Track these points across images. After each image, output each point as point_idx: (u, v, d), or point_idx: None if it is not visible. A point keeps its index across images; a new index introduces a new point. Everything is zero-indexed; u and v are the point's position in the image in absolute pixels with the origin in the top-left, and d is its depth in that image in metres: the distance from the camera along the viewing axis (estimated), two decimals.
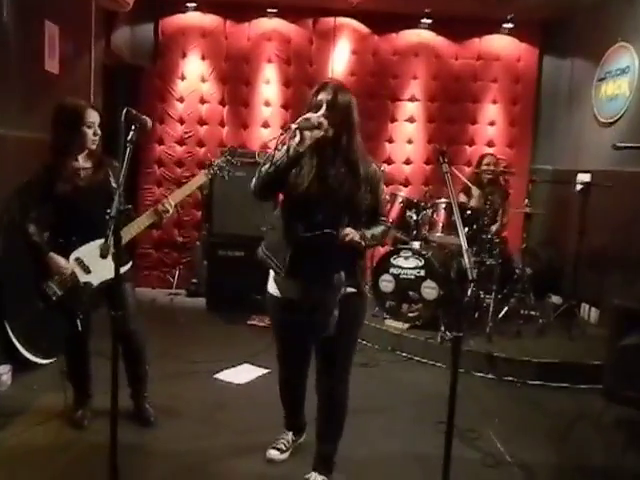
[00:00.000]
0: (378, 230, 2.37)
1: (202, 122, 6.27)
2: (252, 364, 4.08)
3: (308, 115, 2.16)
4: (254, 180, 2.24)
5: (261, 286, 2.58)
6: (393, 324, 4.70)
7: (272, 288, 2.46)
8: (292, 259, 2.28)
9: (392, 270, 4.74)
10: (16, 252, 3.17)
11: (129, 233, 2.77)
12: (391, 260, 4.74)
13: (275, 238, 2.37)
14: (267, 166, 2.18)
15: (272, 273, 2.45)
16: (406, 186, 6.36)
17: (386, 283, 4.76)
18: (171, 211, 2.84)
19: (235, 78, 6.22)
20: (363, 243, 2.25)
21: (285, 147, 2.16)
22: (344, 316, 2.32)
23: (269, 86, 6.25)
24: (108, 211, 1.97)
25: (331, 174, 2.25)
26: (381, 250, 6.18)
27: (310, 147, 2.21)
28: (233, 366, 4.04)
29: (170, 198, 2.88)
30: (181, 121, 6.25)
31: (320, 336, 2.33)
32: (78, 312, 2.76)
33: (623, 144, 3.33)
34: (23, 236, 2.75)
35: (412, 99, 6.29)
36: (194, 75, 6.19)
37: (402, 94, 6.28)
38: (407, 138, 6.35)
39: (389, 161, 6.36)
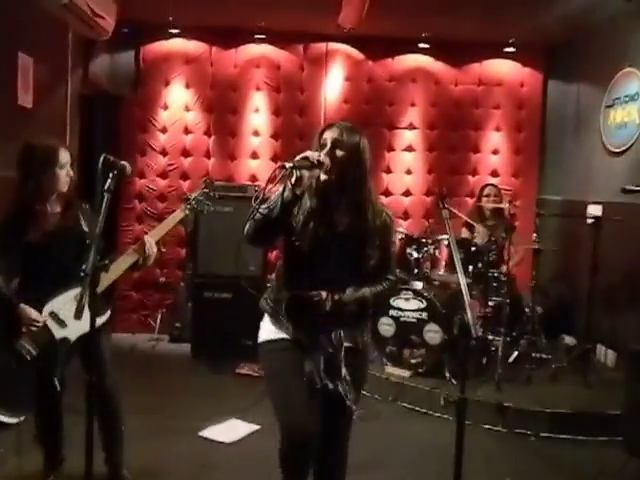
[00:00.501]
0: (372, 292, 2.25)
1: (186, 154, 6.34)
2: (242, 420, 4.04)
3: (307, 153, 2.13)
4: (247, 225, 2.17)
5: (251, 330, 2.56)
6: (394, 371, 4.68)
7: (268, 332, 2.32)
8: (288, 311, 2.25)
9: (392, 312, 4.73)
10: None
11: (107, 278, 2.73)
12: (391, 302, 4.73)
13: (279, 289, 2.32)
14: (260, 209, 2.12)
15: (267, 317, 2.36)
16: (405, 219, 6.41)
17: (386, 327, 4.75)
18: (154, 250, 2.83)
19: (221, 107, 6.31)
20: (335, 307, 2.17)
21: (280, 188, 2.12)
22: (349, 375, 2.28)
23: (258, 115, 6.34)
24: (83, 267, 1.97)
25: (335, 223, 2.20)
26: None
27: (313, 191, 2.19)
28: (221, 422, 3.99)
29: (149, 236, 2.88)
30: (164, 153, 6.31)
31: (333, 395, 2.24)
32: (55, 371, 2.73)
33: (632, 187, 3.38)
34: None
35: (410, 127, 6.39)
36: (177, 104, 6.29)
37: (399, 122, 6.38)
38: (406, 168, 6.43)
39: (387, 193, 6.42)
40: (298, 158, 2.09)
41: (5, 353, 2.71)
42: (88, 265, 2.00)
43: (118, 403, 3.00)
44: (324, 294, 2.16)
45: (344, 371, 2.24)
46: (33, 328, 2.70)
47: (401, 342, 4.71)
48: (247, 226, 2.17)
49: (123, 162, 2.35)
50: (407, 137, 6.41)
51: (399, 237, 5.03)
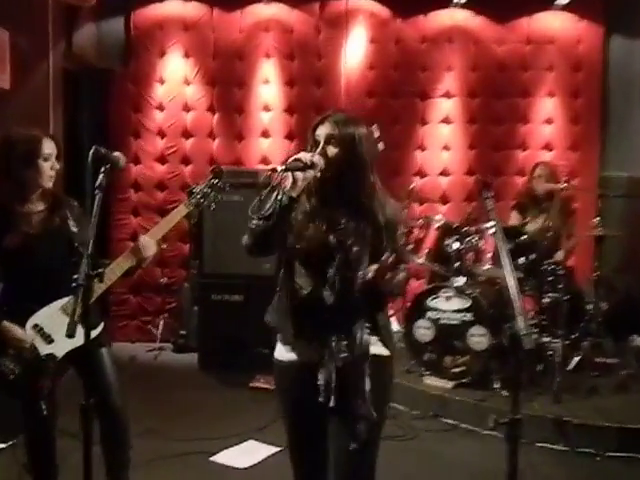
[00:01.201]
0: (396, 280, 2.33)
1: (187, 134, 6.38)
2: (259, 441, 4.08)
3: (299, 155, 2.25)
4: (245, 236, 2.30)
5: (266, 337, 2.60)
6: (434, 382, 4.68)
7: (278, 349, 2.44)
8: (296, 326, 2.31)
9: (430, 314, 4.72)
10: None
11: (100, 286, 2.79)
12: (428, 301, 4.73)
13: (282, 300, 2.40)
14: (256, 218, 2.23)
15: (279, 335, 2.45)
16: (443, 204, 6.39)
17: (423, 330, 4.75)
18: (153, 251, 2.86)
19: (226, 79, 6.34)
20: (391, 280, 2.23)
21: (275, 193, 2.22)
22: (372, 387, 2.28)
23: (268, 86, 6.36)
24: (75, 277, 2.00)
25: (336, 222, 2.31)
26: (415, 286, 6.21)
27: (311, 191, 2.30)
28: (235, 444, 4.04)
29: (148, 236, 2.91)
30: (161, 134, 6.36)
31: (355, 421, 2.26)
32: (41, 392, 2.78)
33: None
34: None
35: (447, 95, 6.35)
36: (175, 77, 6.32)
37: (434, 90, 6.35)
38: (443, 144, 6.39)
39: (421, 173, 6.40)
40: (290, 160, 2.22)
41: None
42: (80, 275, 2.02)
43: (127, 424, 3.06)
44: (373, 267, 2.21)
45: (368, 383, 2.26)
46: (19, 349, 2.75)
47: (441, 348, 4.71)
48: (245, 238, 2.31)
49: (116, 154, 2.37)
50: (443, 107, 6.36)
51: (436, 226, 5.04)
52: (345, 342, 2.27)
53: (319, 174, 2.26)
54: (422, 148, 6.41)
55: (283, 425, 2.51)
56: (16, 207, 2.83)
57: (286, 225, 2.27)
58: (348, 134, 2.31)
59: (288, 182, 2.21)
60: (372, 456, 2.40)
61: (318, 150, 2.29)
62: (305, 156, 2.24)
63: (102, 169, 2.27)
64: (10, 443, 3.68)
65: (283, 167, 2.18)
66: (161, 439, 4.05)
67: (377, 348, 2.35)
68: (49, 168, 2.85)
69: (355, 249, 2.27)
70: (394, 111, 6.30)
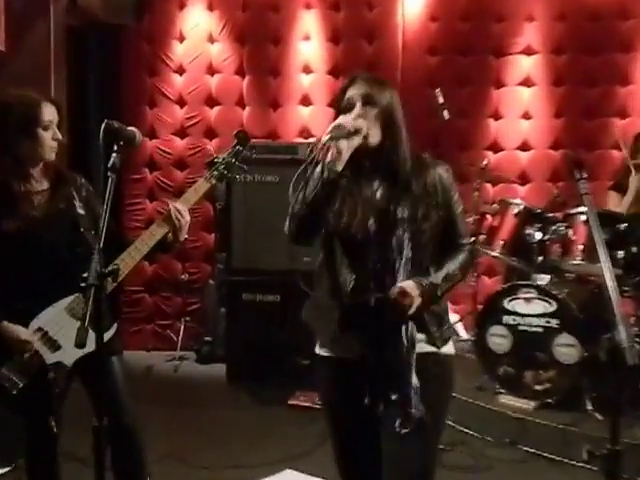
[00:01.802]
0: (454, 264, 2.45)
1: (212, 102, 6.44)
2: (298, 470, 4.09)
3: (339, 120, 2.30)
4: (288, 222, 2.36)
5: (307, 345, 2.62)
6: (511, 402, 4.64)
7: (319, 347, 2.55)
8: (339, 324, 2.39)
9: (506, 319, 4.69)
10: None
11: (126, 264, 2.83)
12: (504, 304, 4.69)
13: (321, 293, 2.48)
14: (300, 199, 2.30)
15: (318, 329, 2.56)
16: (523, 184, 6.30)
17: (498, 339, 4.72)
18: (187, 219, 2.92)
19: (258, 34, 6.37)
20: (427, 296, 2.31)
21: (318, 169, 2.28)
22: (421, 389, 2.36)
23: (309, 43, 6.37)
24: (84, 275, 2.02)
25: (373, 195, 2.39)
26: (488, 284, 6.15)
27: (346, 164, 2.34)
28: (270, 474, 4.04)
29: (179, 202, 2.95)
30: (181, 102, 6.43)
31: (401, 423, 2.34)
32: (49, 408, 2.83)
33: None
34: None
35: (527, 52, 6.27)
36: (198, 34, 6.38)
37: (512, 45, 6.27)
38: (522, 111, 6.32)
39: (495, 147, 6.34)
40: (332, 128, 2.27)
41: None
42: (91, 272, 2.04)
43: (141, 446, 3.10)
44: (409, 286, 2.26)
45: (415, 380, 2.34)
46: (25, 353, 2.79)
47: (521, 361, 4.66)
48: (287, 223, 2.36)
49: (131, 128, 2.40)
50: (523, 66, 6.28)
51: (514, 211, 5.00)
52: (391, 338, 2.34)
53: (362, 140, 2.32)
54: (496, 116, 6.35)
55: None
56: (15, 186, 2.87)
57: (333, 205, 2.34)
58: (385, 94, 2.40)
59: (331, 154, 2.26)
60: (427, 459, 2.47)
61: (357, 112, 2.34)
62: (348, 121, 2.30)
63: (115, 147, 2.28)
64: (13, 467, 3.77)
65: (327, 136, 2.23)
66: (182, 466, 4.10)
67: (428, 345, 2.42)
68: (50, 138, 2.88)
69: (397, 231, 2.33)
70: (462, 71, 6.24)
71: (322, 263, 2.50)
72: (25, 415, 2.93)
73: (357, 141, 2.30)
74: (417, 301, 2.28)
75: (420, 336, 2.38)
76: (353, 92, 2.39)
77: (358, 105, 2.36)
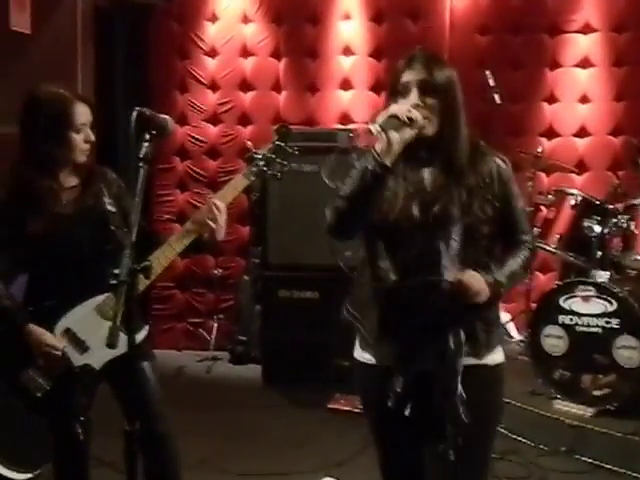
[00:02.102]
0: (517, 262, 2.43)
1: (246, 86, 6.47)
2: (337, 478, 4.08)
3: (393, 109, 2.24)
4: (328, 213, 2.34)
5: (348, 345, 2.62)
6: (568, 408, 4.60)
7: (359, 351, 2.54)
8: (382, 319, 2.38)
9: (562, 318, 4.64)
10: None
11: (159, 263, 2.86)
12: (560, 302, 4.64)
13: (362, 290, 2.48)
14: (343, 191, 2.29)
15: (357, 332, 2.55)
16: (580, 173, 6.22)
17: (553, 340, 4.68)
18: (224, 218, 2.91)
19: (295, 14, 6.39)
20: (491, 293, 2.31)
21: (363, 160, 2.26)
22: (469, 404, 2.34)
23: (350, 23, 6.36)
24: (115, 272, 2.04)
25: (428, 188, 2.36)
26: (543, 281, 6.09)
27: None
28: None
29: (217, 198, 2.95)
30: (214, 86, 6.47)
31: (443, 432, 2.35)
32: (76, 412, 2.86)
33: None
34: None
35: (585, 29, 6.18)
36: (231, 13, 6.41)
37: (568, 22, 6.18)
38: (579, 94, 6.24)
39: (550, 133, 6.28)
40: (384, 117, 2.23)
41: (8, 390, 2.87)
42: (122, 269, 2.05)
43: (175, 454, 3.13)
44: (476, 276, 2.26)
45: (461, 389, 2.33)
46: (50, 358, 2.82)
47: (578, 364, 4.62)
48: (328, 214, 2.34)
49: (163, 116, 2.40)
50: (581, 45, 6.19)
51: (571, 202, 4.95)
52: (434, 343, 2.32)
53: (415, 132, 2.27)
54: (552, 100, 6.27)
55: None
56: (42, 185, 2.89)
57: (377, 200, 2.30)
58: (445, 78, 2.35)
59: (380, 145, 2.22)
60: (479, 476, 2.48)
61: (413, 100, 2.29)
62: (401, 110, 2.23)
63: (147, 136, 2.29)
64: (36, 473, 3.83)
65: (377, 126, 2.19)
66: (217, 472, 4.13)
67: (471, 358, 2.38)
68: (82, 141, 2.90)
69: (447, 224, 2.31)
70: (515, 51, 6.17)
71: (363, 257, 2.49)
72: (51, 419, 2.97)
73: (411, 134, 2.25)
74: (483, 295, 2.27)
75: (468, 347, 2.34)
76: (410, 76, 2.32)
77: (414, 92, 2.29)
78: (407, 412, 2.35)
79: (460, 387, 2.32)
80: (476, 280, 2.28)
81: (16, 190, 2.88)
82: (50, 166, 2.90)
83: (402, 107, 2.25)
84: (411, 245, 2.32)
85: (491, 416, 2.50)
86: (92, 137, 2.92)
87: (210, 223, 2.88)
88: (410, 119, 2.23)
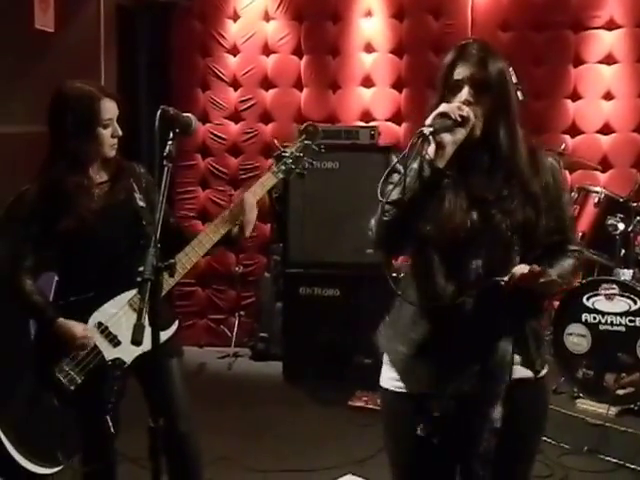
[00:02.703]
0: (566, 268, 2.34)
1: (268, 84, 6.47)
2: (359, 475, 4.08)
3: (445, 108, 2.12)
4: (374, 224, 2.22)
5: (369, 343, 2.59)
6: (591, 407, 4.59)
7: (388, 378, 2.43)
8: (426, 338, 2.28)
9: (585, 317, 4.63)
10: (8, 317, 3.38)
11: (189, 259, 2.91)
12: (584, 300, 4.63)
13: (403, 310, 2.37)
14: (392, 200, 2.13)
15: (387, 356, 2.45)
16: (604, 171, 6.17)
17: (576, 338, 4.67)
18: (254, 213, 2.94)
19: (316, 11, 6.38)
20: (548, 284, 2.18)
21: (416, 165, 2.13)
22: (514, 421, 2.26)
23: (371, 20, 6.35)
24: (140, 270, 2.04)
25: (482, 192, 2.23)
26: None
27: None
28: (330, 479, 4.07)
29: (249, 193, 2.97)
30: (235, 84, 6.48)
31: (474, 450, 2.28)
32: (107, 406, 2.88)
33: None
34: (15, 295, 2.91)
35: (610, 25, 6.12)
36: (253, 11, 6.42)
37: (592, 18, 6.12)
38: (603, 90, 6.19)
39: (573, 130, 6.23)
40: (435, 118, 2.10)
41: (39, 383, 2.91)
42: (146, 267, 2.05)
43: (197, 453, 3.16)
44: (520, 267, 2.15)
45: (498, 413, 2.24)
46: (81, 350, 2.86)
47: (601, 362, 4.60)
48: (373, 226, 2.23)
49: (187, 115, 2.42)
50: (605, 41, 6.14)
51: (595, 200, 4.93)
52: (478, 367, 2.24)
53: (469, 132, 2.16)
54: (575, 97, 6.23)
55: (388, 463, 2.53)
56: (72, 182, 2.92)
57: (429, 208, 2.17)
58: (499, 72, 2.20)
59: (431, 148, 2.11)
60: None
61: (465, 97, 2.17)
62: (452, 109, 2.11)
63: (171, 134, 2.30)
64: (60, 468, 3.87)
65: (429, 128, 2.07)
66: (238, 469, 4.15)
67: (523, 370, 2.31)
68: (109, 136, 2.93)
69: (506, 234, 2.21)
70: (537, 48, 6.14)
71: (408, 275, 2.39)
72: (82, 412, 2.99)
73: (463, 134, 2.13)
74: (554, 280, 2.15)
75: (515, 358, 2.27)
76: (461, 71, 2.18)
77: (466, 89, 2.17)
78: (435, 440, 2.26)
79: (498, 415, 2.23)
80: (533, 268, 2.13)
81: (47, 187, 2.90)
82: (80, 162, 2.93)
83: (452, 105, 2.13)
84: (471, 258, 2.22)
85: (534, 433, 2.43)
86: (119, 131, 2.95)
87: (242, 218, 2.91)
88: (463, 117, 2.12)
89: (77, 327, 2.85)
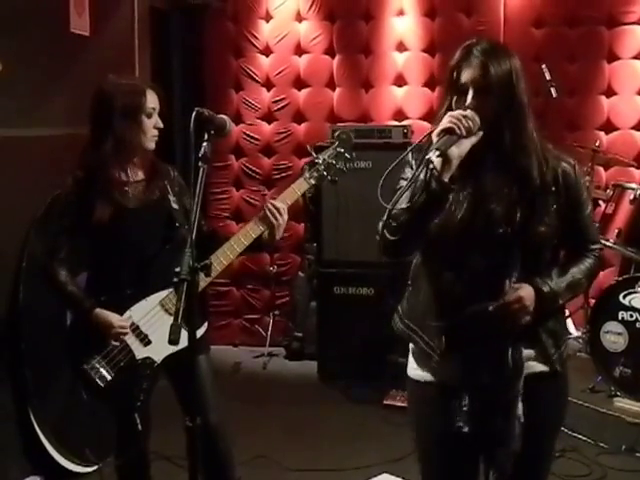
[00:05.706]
0: (580, 271, 2.35)
1: (300, 84, 6.48)
2: (395, 474, 4.07)
3: (448, 123, 2.12)
4: (381, 229, 2.26)
5: (403, 342, 2.60)
6: (628, 406, 4.58)
7: (414, 369, 2.46)
8: (447, 332, 2.30)
9: (622, 314, 4.61)
10: (44, 310, 3.43)
11: (220, 262, 2.95)
12: (620, 298, 4.61)
13: (419, 301, 2.40)
14: (400, 211, 2.18)
15: (412, 347, 2.47)
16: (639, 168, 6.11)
17: (613, 337, 4.65)
18: (284, 218, 2.98)
19: (349, 11, 6.37)
20: (545, 303, 2.24)
21: (422, 178, 2.15)
22: (532, 413, 2.29)
23: (403, 19, 6.33)
24: (177, 270, 2.07)
25: (487, 190, 2.25)
26: (601, 277, 5.99)
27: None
28: (366, 479, 4.03)
29: (279, 200, 3.01)
30: (268, 84, 6.50)
31: (497, 453, 2.31)
32: (136, 404, 2.92)
33: None
34: (51, 286, 2.97)
35: None
36: (285, 12, 6.43)
37: (627, 14, 6.04)
38: (638, 86, 6.11)
39: (608, 127, 6.16)
40: (440, 137, 2.12)
41: (71, 378, 2.96)
42: (183, 267, 2.08)
43: (229, 446, 3.19)
44: (525, 292, 2.18)
45: (520, 409, 2.27)
46: (116, 341, 2.90)
47: (639, 361, 4.58)
48: (382, 232, 2.26)
49: (222, 116, 2.44)
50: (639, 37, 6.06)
51: (631, 197, 4.90)
52: (495, 358, 2.25)
53: (475, 140, 2.18)
54: (609, 93, 6.15)
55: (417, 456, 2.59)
56: (112, 173, 2.97)
57: (435, 218, 2.21)
58: (504, 73, 2.19)
59: (438, 160, 2.13)
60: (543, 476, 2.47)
61: (469, 102, 2.17)
62: (457, 121, 2.12)
63: (206, 136, 2.32)
64: (100, 465, 3.91)
65: (436, 152, 2.10)
66: (273, 468, 4.16)
67: (539, 365, 2.34)
68: (152, 126, 3.00)
69: (509, 234, 2.22)
70: (571, 44, 6.07)
71: (418, 265, 2.43)
72: (112, 409, 3.03)
73: (469, 143, 2.15)
74: (530, 310, 2.20)
75: (529, 352, 2.29)
76: (466, 75, 2.19)
77: (471, 94, 2.18)
78: (466, 429, 2.28)
79: (520, 409, 2.27)
80: (525, 293, 2.19)
81: (84, 179, 2.95)
82: (123, 148, 2.97)
83: (453, 119, 2.13)
84: (474, 256, 2.24)
85: (552, 428, 2.46)
86: (161, 123, 3.02)
87: (273, 223, 2.94)
88: (468, 128, 2.13)
89: (114, 317, 2.90)
